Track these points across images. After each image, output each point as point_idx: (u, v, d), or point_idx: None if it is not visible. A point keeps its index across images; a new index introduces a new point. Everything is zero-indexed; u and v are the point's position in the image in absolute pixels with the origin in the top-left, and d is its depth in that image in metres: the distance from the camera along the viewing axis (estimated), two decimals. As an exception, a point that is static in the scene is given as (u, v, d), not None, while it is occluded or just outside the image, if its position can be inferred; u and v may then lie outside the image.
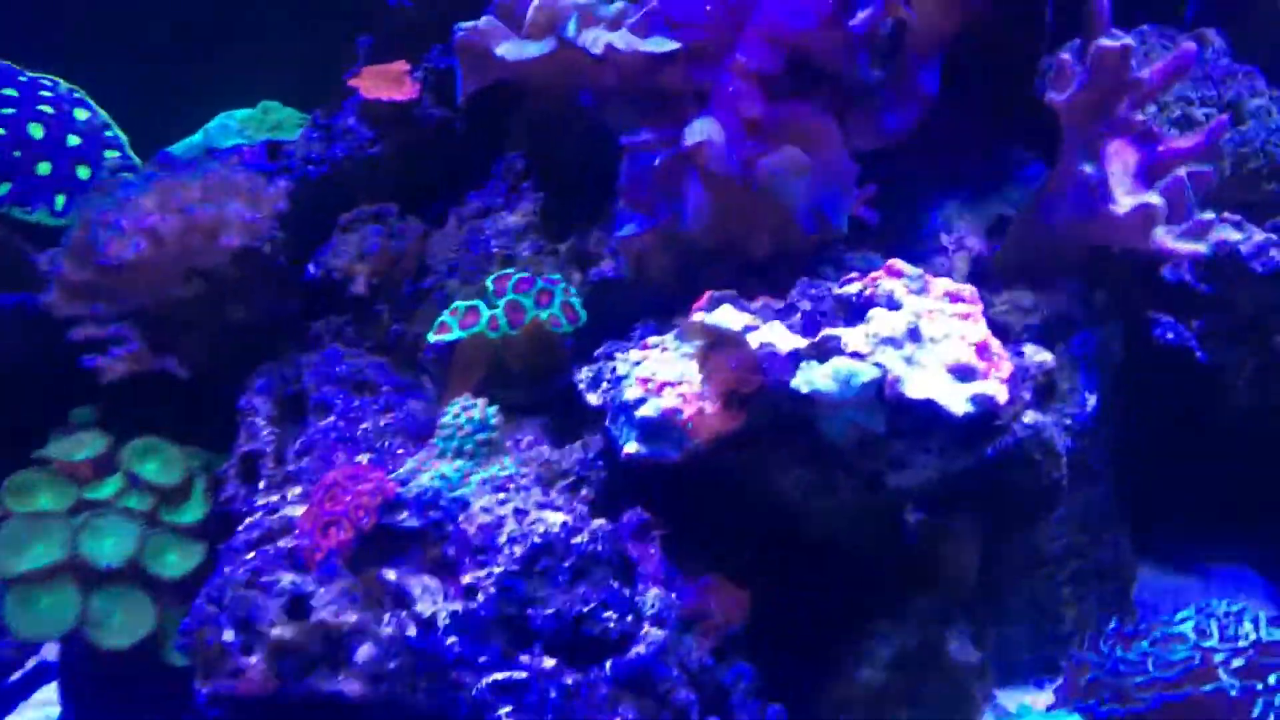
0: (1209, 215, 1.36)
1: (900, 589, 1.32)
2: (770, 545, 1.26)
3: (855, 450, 1.12)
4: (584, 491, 1.21)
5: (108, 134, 1.72)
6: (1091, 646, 1.47)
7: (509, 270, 1.30)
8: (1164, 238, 1.34)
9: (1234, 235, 1.35)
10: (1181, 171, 1.39)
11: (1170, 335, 1.50)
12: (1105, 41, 1.29)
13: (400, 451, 1.22)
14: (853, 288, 1.18)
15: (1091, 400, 1.39)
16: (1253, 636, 1.37)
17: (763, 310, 1.22)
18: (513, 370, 1.28)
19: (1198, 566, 1.70)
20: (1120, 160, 1.44)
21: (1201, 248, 1.32)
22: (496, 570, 1.07)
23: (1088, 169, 1.32)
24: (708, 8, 1.34)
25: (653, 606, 1.13)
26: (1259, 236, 1.46)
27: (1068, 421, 1.37)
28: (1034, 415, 1.29)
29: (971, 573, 1.37)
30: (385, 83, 1.49)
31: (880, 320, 1.12)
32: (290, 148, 1.56)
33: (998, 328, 1.36)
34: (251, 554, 1.11)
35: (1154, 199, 1.30)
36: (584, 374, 1.27)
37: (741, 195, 1.32)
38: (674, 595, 1.14)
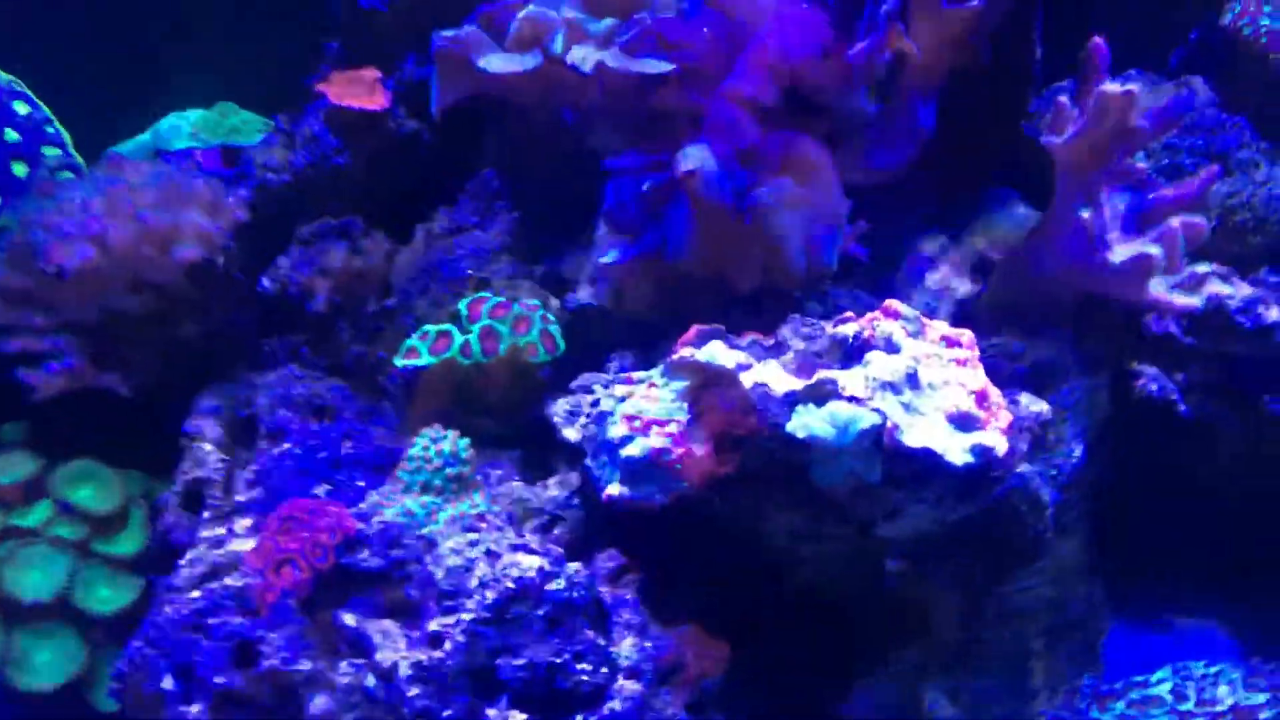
0: (1203, 268, 1.33)
1: (883, 640, 1.27)
2: (753, 592, 1.20)
3: (848, 498, 1.06)
4: (558, 531, 1.14)
5: (48, 130, 1.62)
6: (1066, 705, 1.43)
7: (484, 294, 1.23)
8: (1159, 290, 1.31)
9: (1226, 289, 1.32)
10: (1174, 221, 1.37)
11: (1154, 387, 1.48)
12: (1110, 86, 1.26)
13: (361, 483, 1.14)
14: (849, 328, 1.12)
15: (1078, 451, 1.36)
16: (1229, 701, 1.34)
17: (752, 348, 1.16)
18: (485, 400, 1.21)
19: (1167, 621, 1.67)
20: (1111, 206, 1.41)
21: (1196, 301, 1.29)
22: (466, 617, 0.99)
23: (1085, 215, 1.29)
24: (704, 30, 1.29)
25: (628, 658, 1.06)
26: (1246, 291, 1.44)
27: (1054, 473, 1.33)
28: (1023, 466, 1.26)
29: (952, 624, 1.33)
30: (355, 90, 1.42)
31: (879, 364, 1.07)
32: (249, 153, 1.47)
33: (986, 373, 1.32)
34: (195, 592, 1.02)
35: (1153, 249, 1.27)
36: (560, 406, 1.20)
37: (732, 226, 1.26)
38: (650, 645, 1.07)
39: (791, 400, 1.04)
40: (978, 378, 1.12)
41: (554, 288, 1.38)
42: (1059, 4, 1.77)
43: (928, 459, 1.04)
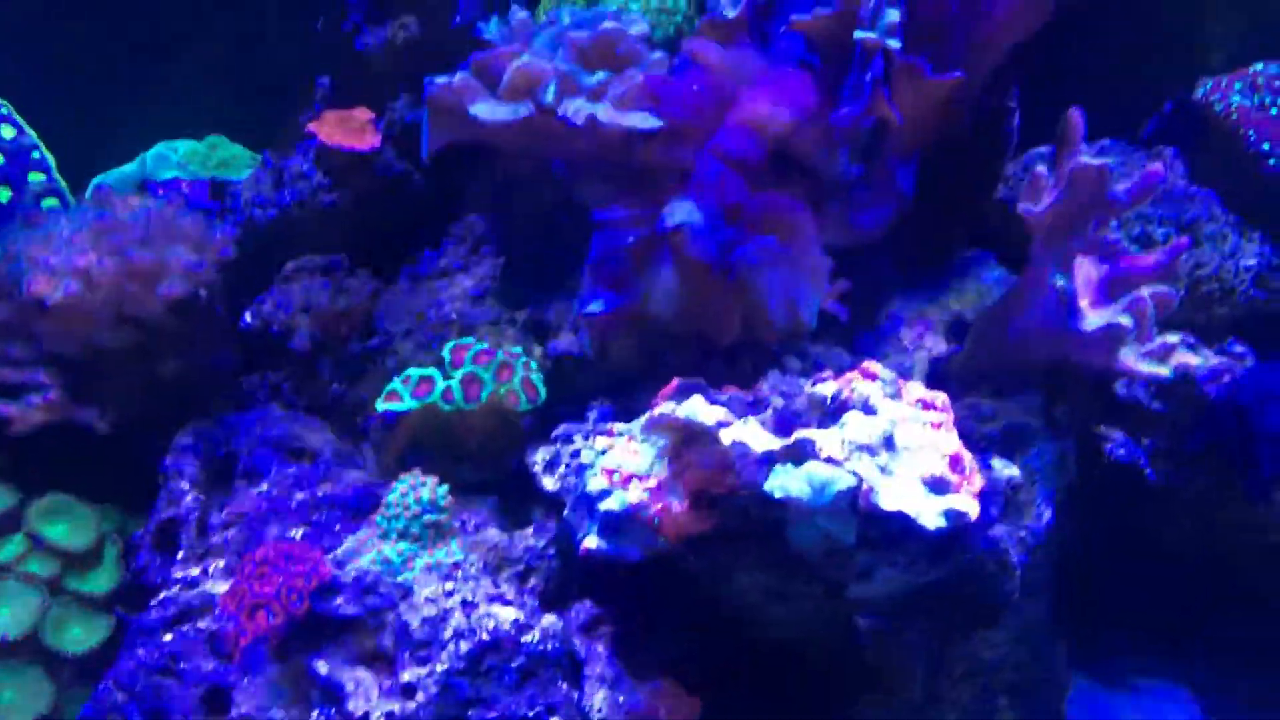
0: (1173, 338, 1.36)
1: (852, 697, 1.28)
2: (726, 648, 1.21)
3: (822, 559, 1.07)
4: (533, 581, 1.14)
5: (34, 155, 1.61)
6: (1030, 763, 1.44)
7: (468, 340, 1.24)
8: (1128, 358, 1.34)
9: (1194, 359, 1.35)
10: (1144, 291, 1.40)
11: (1122, 452, 1.51)
12: (1085, 160, 1.29)
13: (338, 528, 1.14)
14: (827, 388, 1.14)
15: (1047, 515, 1.38)
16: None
17: (732, 403, 1.17)
18: (465, 446, 1.21)
19: (1130, 681, 1.69)
20: (1083, 274, 1.44)
21: (1165, 371, 1.32)
22: (440, 668, 0.99)
23: (1059, 283, 1.32)
24: (694, 88, 1.31)
25: (600, 711, 1.06)
26: (1213, 360, 1.47)
27: (1023, 534, 1.35)
28: (995, 528, 1.27)
29: (919, 681, 1.34)
30: (346, 130, 1.43)
31: (856, 426, 1.08)
32: (236, 188, 1.48)
33: (958, 434, 1.34)
34: (168, 634, 1.02)
35: (1124, 319, 1.30)
36: (540, 456, 1.21)
37: (715, 282, 1.28)
38: (622, 698, 1.08)
39: (770, 460, 1.06)
40: (952, 441, 1.14)
41: (536, 334, 1.39)
42: (1037, 72, 1.82)
43: (902, 522, 1.05)
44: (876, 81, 1.33)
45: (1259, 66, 1.70)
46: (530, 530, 1.17)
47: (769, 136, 1.29)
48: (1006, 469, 1.21)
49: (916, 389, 1.19)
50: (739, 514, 1.06)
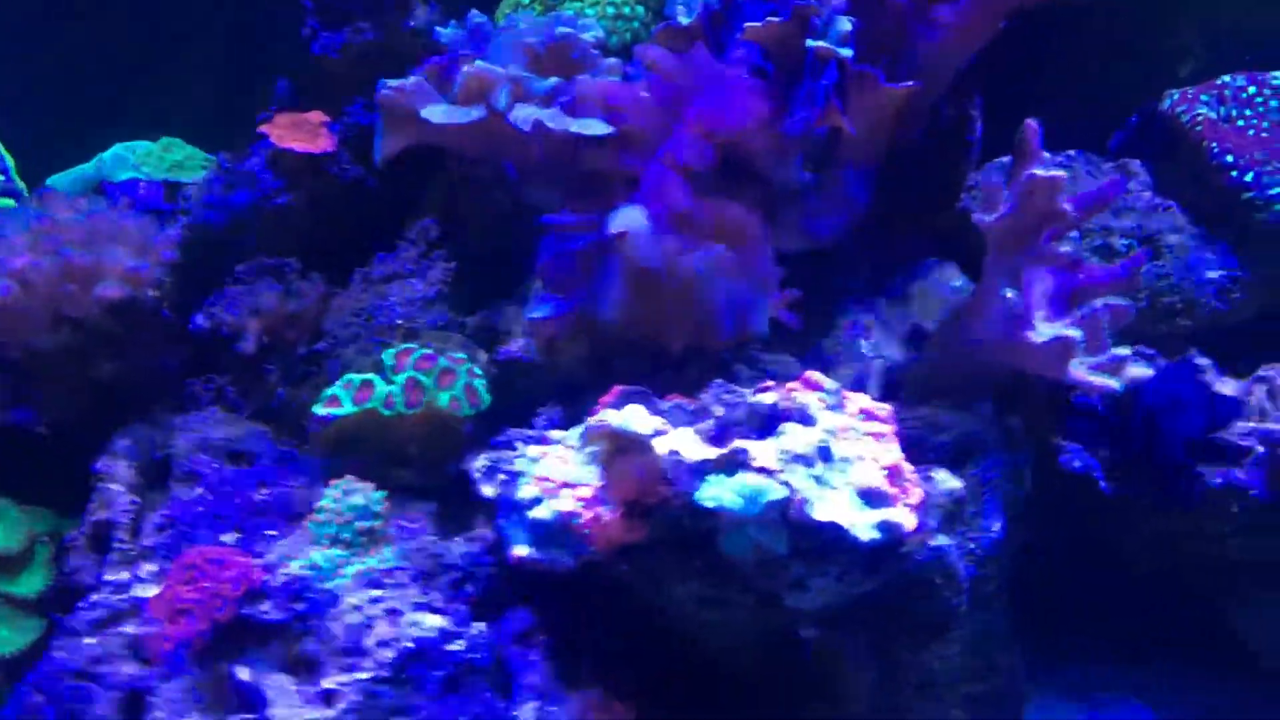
0: (1125, 350, 1.35)
1: (795, 708, 1.27)
2: (662, 658, 1.20)
3: (755, 569, 1.06)
4: (468, 589, 1.13)
5: (-8, 156, 1.61)
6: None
7: (411, 345, 1.23)
8: (1079, 370, 1.32)
9: (1146, 372, 1.34)
10: (1099, 302, 1.39)
11: (1077, 463, 1.49)
12: (1037, 171, 1.29)
13: (273, 532, 1.13)
14: (768, 398, 1.13)
15: (997, 526, 1.36)
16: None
17: (674, 411, 1.17)
18: (405, 451, 1.20)
19: (1087, 694, 1.68)
20: (1040, 285, 1.43)
21: (1114, 384, 1.31)
22: (362, 676, 0.98)
23: (1009, 295, 1.31)
24: (644, 95, 1.30)
25: (528, 722, 1.05)
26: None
27: (971, 546, 1.34)
28: (940, 539, 1.26)
29: (865, 695, 1.32)
30: (299, 132, 1.42)
31: (792, 436, 1.08)
32: (189, 189, 1.47)
33: (909, 444, 1.34)
34: (92, 638, 1.01)
35: (1072, 333, 1.28)
36: (481, 462, 1.20)
37: (662, 288, 1.27)
38: (553, 709, 1.07)
39: (703, 469, 1.05)
40: (892, 452, 1.13)
41: (487, 339, 1.38)
42: (1008, 81, 1.82)
43: (835, 533, 1.05)
44: (829, 90, 1.32)
45: (1227, 78, 1.70)
46: (468, 537, 1.16)
47: (719, 143, 1.28)
48: (949, 481, 1.20)
49: (860, 399, 1.19)
50: (671, 524, 1.05)
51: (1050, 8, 1.82)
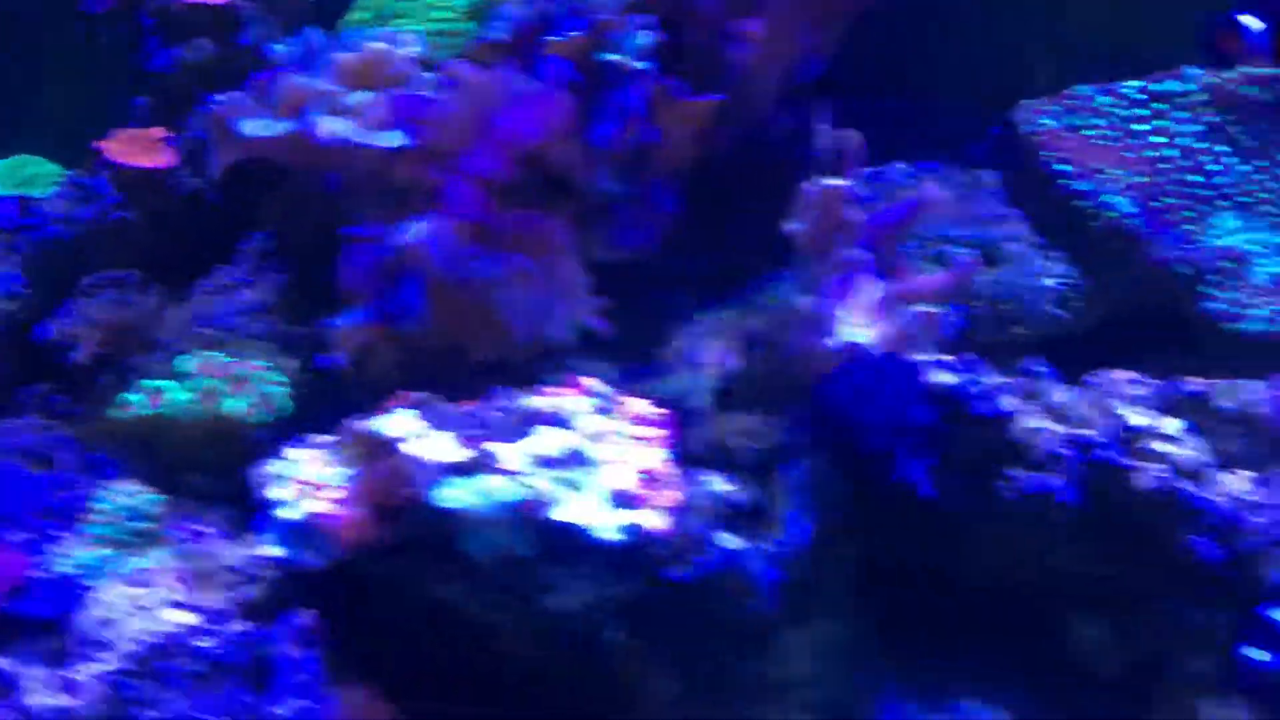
0: (927, 357, 1.37)
1: (587, 711, 1.29)
2: (450, 658, 1.22)
3: (502, 570, 1.09)
4: (245, 589, 1.17)
5: None
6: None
7: (211, 353, 1.27)
8: (877, 376, 1.35)
9: (949, 378, 1.36)
10: (920, 309, 1.42)
11: (899, 470, 1.50)
12: (827, 181, 1.32)
13: (61, 534, 1.17)
14: (535, 402, 1.16)
15: (802, 530, 1.38)
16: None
17: (462, 417, 1.20)
18: (198, 457, 1.24)
19: (946, 701, 1.68)
20: (864, 293, 1.46)
21: (907, 389, 1.32)
22: (107, 668, 1.02)
23: (805, 300, 1.34)
24: (448, 108, 1.34)
25: (285, 718, 1.08)
26: (991, 380, 1.46)
27: (772, 550, 1.36)
28: (733, 543, 1.29)
29: (666, 700, 1.34)
30: (138, 148, 1.47)
31: (543, 439, 1.11)
32: (38, 205, 1.53)
33: (721, 451, 1.36)
34: None
35: (863, 335, 1.31)
36: (270, 468, 1.24)
37: (460, 298, 1.30)
38: (313, 706, 1.10)
39: (448, 471, 1.08)
40: (653, 457, 1.15)
41: (306, 348, 1.42)
42: (879, 91, 1.85)
43: (577, 535, 1.07)
44: (632, 103, 1.36)
45: (1080, 89, 1.71)
46: (246, 540, 1.19)
47: (519, 155, 1.32)
48: (720, 485, 1.22)
49: (637, 405, 1.22)
50: (416, 525, 1.08)
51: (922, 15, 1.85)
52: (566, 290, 1.35)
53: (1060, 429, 1.42)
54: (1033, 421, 1.43)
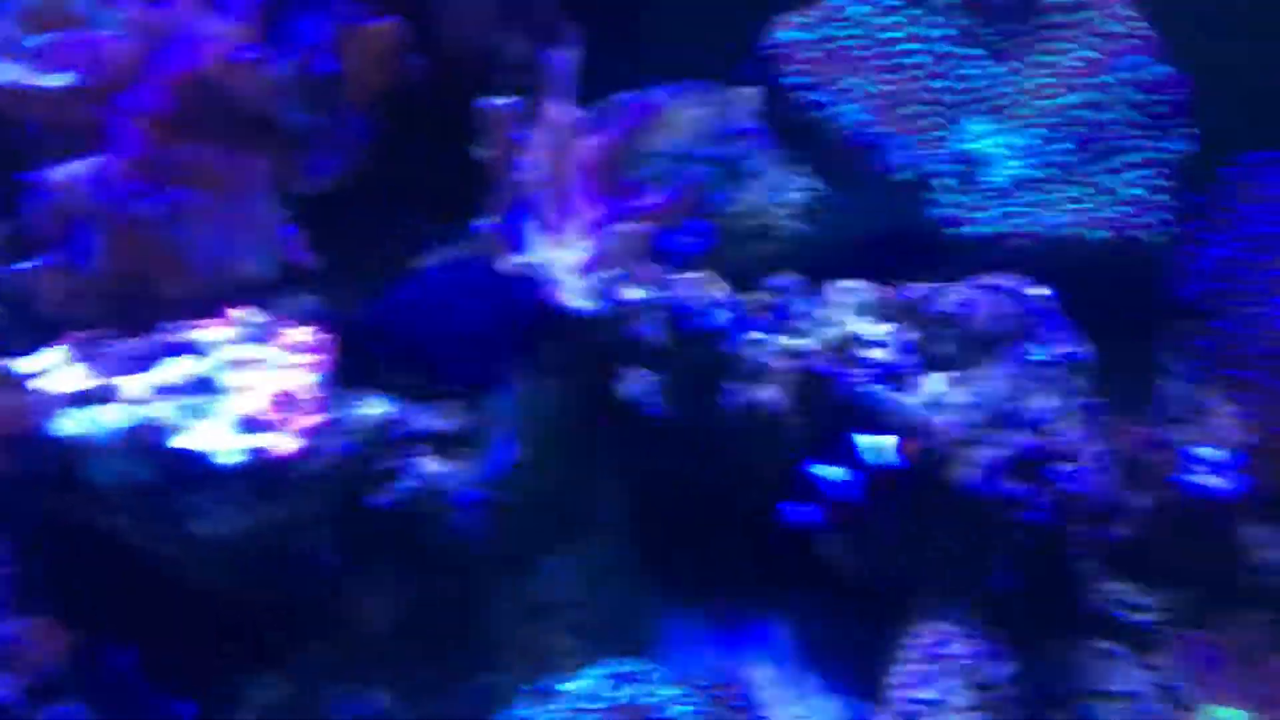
0: (613, 275, 1.37)
1: (288, 640, 1.31)
2: (137, 590, 1.24)
3: (133, 498, 1.10)
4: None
5: None
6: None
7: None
8: (566, 295, 1.35)
9: (636, 293, 1.35)
10: (632, 227, 1.41)
11: (636, 389, 1.50)
12: (496, 101, 1.30)
13: None
14: (175, 335, 1.16)
15: (510, 453, 1.38)
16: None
17: (116, 353, 1.20)
18: None
19: (725, 619, 1.69)
20: (580, 216, 1.45)
21: (590, 304, 1.32)
22: None
23: (483, 224, 1.33)
24: (107, 44, 1.32)
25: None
26: (700, 297, 1.44)
27: (476, 473, 1.36)
28: (430, 466, 1.30)
29: (378, 623, 1.36)
30: None
31: (169, 369, 1.11)
32: None
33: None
34: None
35: (542, 258, 1.30)
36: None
37: (137, 237, 1.30)
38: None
39: (71, 402, 1.08)
40: (295, 380, 1.15)
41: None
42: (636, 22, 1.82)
43: (199, 460, 1.08)
44: (311, 32, 1.34)
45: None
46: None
47: (186, 89, 1.31)
48: (371, 408, 1.22)
49: (297, 334, 1.21)
50: (37, 456, 1.08)
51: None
52: (252, 224, 1.34)
53: (781, 341, 1.42)
54: (752, 335, 1.43)
